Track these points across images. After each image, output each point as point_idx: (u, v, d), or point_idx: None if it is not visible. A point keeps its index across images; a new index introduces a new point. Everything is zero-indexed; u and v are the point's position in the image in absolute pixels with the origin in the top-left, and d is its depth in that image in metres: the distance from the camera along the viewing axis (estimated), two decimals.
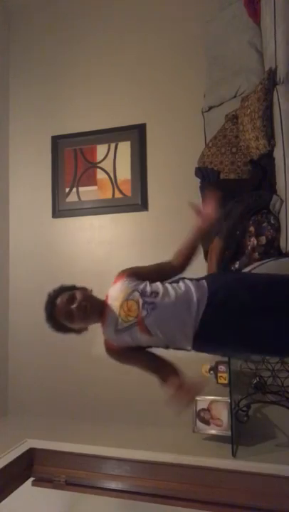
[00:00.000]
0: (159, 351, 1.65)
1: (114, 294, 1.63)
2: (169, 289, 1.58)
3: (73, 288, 1.68)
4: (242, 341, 1.54)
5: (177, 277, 1.67)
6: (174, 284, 1.61)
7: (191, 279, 1.63)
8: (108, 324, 1.61)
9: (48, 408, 3.08)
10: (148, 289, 1.59)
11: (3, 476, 2.43)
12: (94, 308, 1.63)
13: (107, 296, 1.68)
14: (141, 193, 3.08)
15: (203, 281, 1.61)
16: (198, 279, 1.63)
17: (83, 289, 1.69)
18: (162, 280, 1.65)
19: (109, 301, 1.64)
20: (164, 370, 1.58)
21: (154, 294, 1.56)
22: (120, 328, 1.57)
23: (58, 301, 1.62)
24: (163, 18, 3.12)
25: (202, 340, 1.54)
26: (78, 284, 1.73)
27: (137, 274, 1.66)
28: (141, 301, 1.55)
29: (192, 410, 2.59)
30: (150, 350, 1.65)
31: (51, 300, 1.65)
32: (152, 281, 1.63)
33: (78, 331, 1.69)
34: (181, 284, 1.60)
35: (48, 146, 3.35)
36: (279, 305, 1.50)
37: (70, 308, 1.59)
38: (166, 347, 1.62)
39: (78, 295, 1.62)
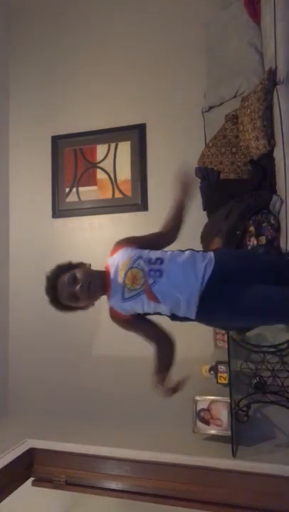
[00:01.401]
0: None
1: (117, 262, 1.61)
2: (174, 255, 1.60)
3: (70, 266, 1.65)
4: (236, 306, 1.56)
5: (184, 249, 1.68)
6: (178, 251, 1.63)
7: (197, 251, 1.66)
8: (114, 294, 1.60)
9: (48, 408, 3.08)
10: (152, 255, 1.59)
11: (3, 476, 2.43)
12: (97, 284, 1.60)
13: (107, 267, 1.66)
14: (141, 193, 3.08)
15: (211, 252, 1.65)
16: (205, 251, 1.67)
17: (82, 266, 1.65)
18: (159, 248, 1.66)
19: (112, 271, 1.62)
20: (162, 341, 1.62)
21: (159, 261, 1.57)
22: (127, 297, 1.56)
23: (59, 283, 1.59)
24: (163, 19, 3.12)
25: (206, 306, 1.55)
26: (74, 260, 1.69)
27: (135, 242, 1.66)
28: (147, 269, 1.55)
29: (192, 410, 2.59)
30: (153, 319, 1.67)
31: (52, 284, 1.61)
32: (150, 249, 1.64)
33: (84, 308, 1.65)
34: (186, 251, 1.63)
35: (48, 146, 3.35)
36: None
37: (73, 290, 1.55)
38: (172, 315, 1.61)
39: (79, 274, 1.58)
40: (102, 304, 1.72)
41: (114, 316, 1.65)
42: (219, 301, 1.55)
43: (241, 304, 1.55)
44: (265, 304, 1.55)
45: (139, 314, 1.63)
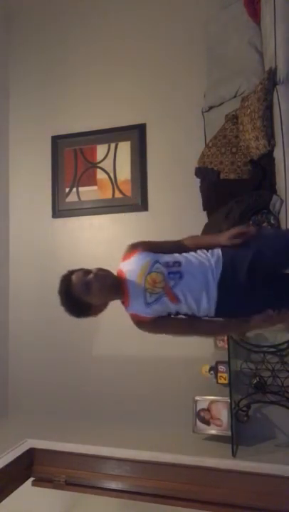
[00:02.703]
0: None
1: (134, 267, 1.62)
2: (189, 257, 1.62)
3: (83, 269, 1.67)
4: (250, 303, 1.59)
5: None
6: (191, 253, 1.65)
7: (203, 250, 1.68)
8: (134, 298, 1.60)
9: (48, 408, 3.08)
10: (169, 259, 1.61)
11: (3, 476, 2.43)
12: (111, 280, 1.61)
13: (121, 271, 1.66)
14: (141, 193, 3.08)
15: (218, 249, 1.66)
16: (211, 249, 1.69)
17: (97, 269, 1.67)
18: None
19: (128, 276, 1.62)
20: (201, 325, 1.63)
21: (177, 264, 1.59)
22: (151, 301, 1.58)
23: (74, 277, 1.59)
24: (163, 19, 3.12)
25: (223, 302, 1.57)
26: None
27: (149, 247, 1.68)
28: (166, 272, 1.57)
29: (192, 410, 2.59)
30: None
31: (66, 279, 1.61)
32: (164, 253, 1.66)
33: (96, 311, 1.63)
34: (198, 252, 1.65)
35: (48, 146, 3.35)
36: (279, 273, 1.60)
37: (88, 278, 1.56)
38: (192, 315, 1.63)
39: (94, 268, 1.60)
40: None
41: (139, 321, 1.64)
42: (235, 297, 1.58)
43: (257, 301, 1.58)
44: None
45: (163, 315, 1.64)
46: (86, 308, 1.61)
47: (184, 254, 1.65)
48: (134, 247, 1.69)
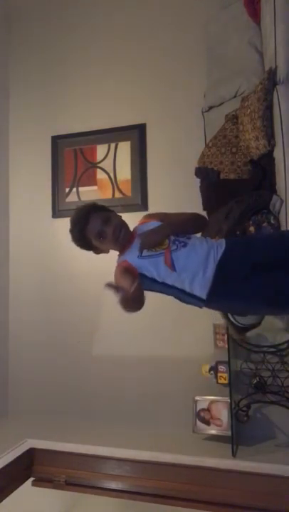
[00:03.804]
0: None
1: (147, 228, 1.64)
2: (197, 236, 1.68)
3: (106, 209, 1.70)
4: (248, 292, 1.57)
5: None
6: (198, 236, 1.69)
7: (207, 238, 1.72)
8: (133, 249, 1.61)
9: (48, 408, 3.08)
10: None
11: (3, 476, 2.43)
12: (127, 234, 1.65)
13: (134, 231, 1.69)
14: (141, 193, 3.08)
15: (222, 239, 1.68)
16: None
17: (117, 215, 1.70)
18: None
19: (139, 233, 1.64)
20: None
21: (186, 237, 1.62)
22: (145, 255, 1.57)
23: (93, 218, 1.63)
24: (163, 19, 3.12)
25: (218, 288, 1.55)
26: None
27: (164, 221, 1.69)
28: (172, 238, 1.59)
29: (192, 410, 2.59)
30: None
31: (84, 214, 1.65)
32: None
33: (98, 251, 1.70)
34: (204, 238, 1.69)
35: (48, 146, 3.35)
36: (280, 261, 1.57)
37: (105, 229, 1.61)
38: (179, 292, 1.59)
39: (114, 218, 1.65)
40: (102, 304, 1.72)
41: (124, 266, 1.59)
42: (232, 283, 1.57)
43: (253, 290, 1.56)
44: (275, 294, 1.56)
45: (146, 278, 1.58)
46: (91, 247, 1.68)
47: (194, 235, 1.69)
48: (150, 216, 1.74)
